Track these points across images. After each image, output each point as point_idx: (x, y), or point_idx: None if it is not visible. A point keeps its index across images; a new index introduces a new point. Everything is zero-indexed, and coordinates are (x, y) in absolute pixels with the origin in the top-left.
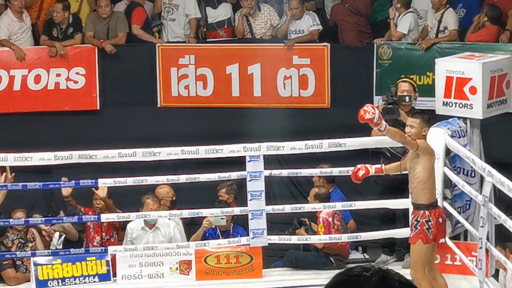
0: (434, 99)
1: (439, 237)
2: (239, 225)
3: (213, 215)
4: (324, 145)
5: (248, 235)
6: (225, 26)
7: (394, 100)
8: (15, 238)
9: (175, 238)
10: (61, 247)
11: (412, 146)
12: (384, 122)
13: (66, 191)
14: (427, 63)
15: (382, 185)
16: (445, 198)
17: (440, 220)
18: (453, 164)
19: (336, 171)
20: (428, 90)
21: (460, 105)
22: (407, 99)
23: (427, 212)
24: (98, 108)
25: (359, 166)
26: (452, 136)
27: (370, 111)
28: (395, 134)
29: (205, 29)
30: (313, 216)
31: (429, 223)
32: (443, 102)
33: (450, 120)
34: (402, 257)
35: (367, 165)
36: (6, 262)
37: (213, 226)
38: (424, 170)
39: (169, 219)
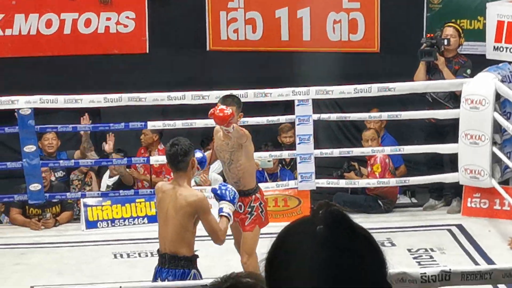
0: (485, 43)
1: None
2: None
3: (260, 158)
4: (373, 89)
5: (295, 178)
6: None
7: (433, 42)
8: (75, 179)
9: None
10: (110, 188)
11: (243, 139)
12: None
13: (109, 148)
14: (478, 7)
15: (427, 131)
16: (494, 143)
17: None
18: (503, 109)
19: (385, 115)
20: (479, 35)
21: (511, 50)
22: (445, 42)
23: (257, 195)
24: (147, 51)
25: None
26: (502, 81)
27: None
28: (238, 131)
29: None
30: (359, 161)
31: (261, 205)
32: (494, 46)
33: (500, 65)
34: (449, 201)
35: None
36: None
37: (260, 169)
38: (248, 158)
39: None
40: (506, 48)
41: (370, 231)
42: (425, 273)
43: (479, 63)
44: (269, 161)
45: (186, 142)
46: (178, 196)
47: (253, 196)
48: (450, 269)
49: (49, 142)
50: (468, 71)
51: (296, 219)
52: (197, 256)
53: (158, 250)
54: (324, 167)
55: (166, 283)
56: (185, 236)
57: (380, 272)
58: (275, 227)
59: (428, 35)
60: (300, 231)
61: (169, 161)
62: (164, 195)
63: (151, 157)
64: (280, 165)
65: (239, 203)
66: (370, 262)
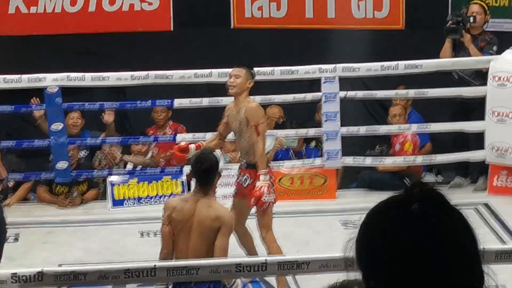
0: (510, 20)
1: None
2: None
3: (286, 137)
4: (400, 66)
5: (322, 156)
6: None
7: (458, 20)
8: (103, 159)
9: None
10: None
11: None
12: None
13: (108, 118)
14: None
15: (452, 109)
16: None
17: None
18: None
19: (411, 93)
20: (505, 12)
21: None
22: (471, 19)
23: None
24: (172, 29)
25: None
26: None
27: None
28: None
29: None
30: (386, 139)
31: (271, 179)
32: None
33: None
34: (475, 179)
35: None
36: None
37: (285, 147)
38: (253, 131)
39: None
40: None
41: None
42: None
43: (505, 40)
44: (293, 141)
45: (212, 155)
46: (208, 210)
47: (268, 169)
48: (483, 248)
49: (74, 121)
50: (495, 48)
51: (385, 199)
52: None
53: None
54: (350, 145)
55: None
56: (210, 248)
57: (475, 249)
58: (302, 205)
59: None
60: (393, 210)
61: (199, 177)
62: (184, 210)
63: (177, 136)
64: (305, 143)
65: (246, 176)
66: (465, 239)
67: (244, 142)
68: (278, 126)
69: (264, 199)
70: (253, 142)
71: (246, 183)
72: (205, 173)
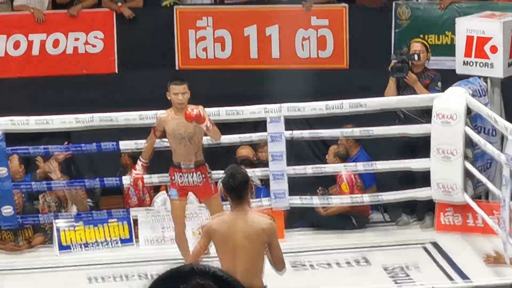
0: (453, 58)
1: None
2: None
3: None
4: (345, 105)
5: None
6: None
7: (403, 58)
8: (52, 202)
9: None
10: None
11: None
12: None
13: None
14: (446, 22)
15: (398, 148)
16: (466, 157)
17: None
18: (474, 123)
19: (357, 131)
20: (447, 50)
21: (481, 64)
22: (416, 57)
23: (206, 164)
24: (117, 71)
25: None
26: (473, 95)
27: (195, 109)
28: (216, 132)
29: None
30: (333, 179)
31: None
32: (464, 61)
33: (470, 79)
34: (422, 217)
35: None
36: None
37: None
38: (202, 134)
39: None
40: (476, 62)
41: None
42: None
43: (448, 78)
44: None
45: (241, 169)
46: (251, 224)
47: (206, 165)
48: (432, 287)
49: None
50: (439, 84)
51: (171, 270)
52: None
53: None
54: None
55: None
56: (260, 265)
57: None
58: None
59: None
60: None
61: (234, 191)
62: (227, 231)
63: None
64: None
65: (198, 173)
66: None
67: (194, 145)
68: (252, 165)
69: (197, 112)
70: (201, 143)
71: (201, 179)
72: (239, 187)
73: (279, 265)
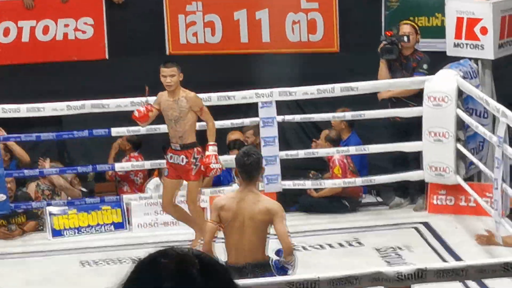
0: (443, 40)
1: None
2: None
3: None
4: (336, 89)
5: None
6: None
7: (393, 40)
8: (45, 189)
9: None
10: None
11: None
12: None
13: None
14: (436, 4)
15: (391, 130)
16: (458, 139)
17: None
18: (465, 105)
19: (348, 115)
20: (437, 32)
21: (471, 46)
22: (405, 39)
23: (199, 149)
24: (107, 57)
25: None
26: (464, 77)
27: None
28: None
29: None
30: (325, 162)
31: (202, 158)
32: (454, 43)
33: (461, 61)
34: (415, 199)
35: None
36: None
37: (224, 168)
38: (192, 115)
39: None
40: (466, 44)
41: (337, 231)
42: (400, 271)
43: (439, 60)
44: None
45: (256, 150)
46: (257, 203)
47: (195, 149)
48: (425, 267)
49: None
50: (425, 66)
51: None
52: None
53: (229, 265)
54: (288, 169)
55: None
56: (264, 240)
57: None
58: None
59: (387, 32)
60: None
61: (245, 171)
62: (233, 208)
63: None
64: None
65: (182, 156)
66: None
67: (181, 127)
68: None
69: (212, 166)
70: (190, 126)
71: (184, 162)
72: (251, 167)
73: (285, 241)
